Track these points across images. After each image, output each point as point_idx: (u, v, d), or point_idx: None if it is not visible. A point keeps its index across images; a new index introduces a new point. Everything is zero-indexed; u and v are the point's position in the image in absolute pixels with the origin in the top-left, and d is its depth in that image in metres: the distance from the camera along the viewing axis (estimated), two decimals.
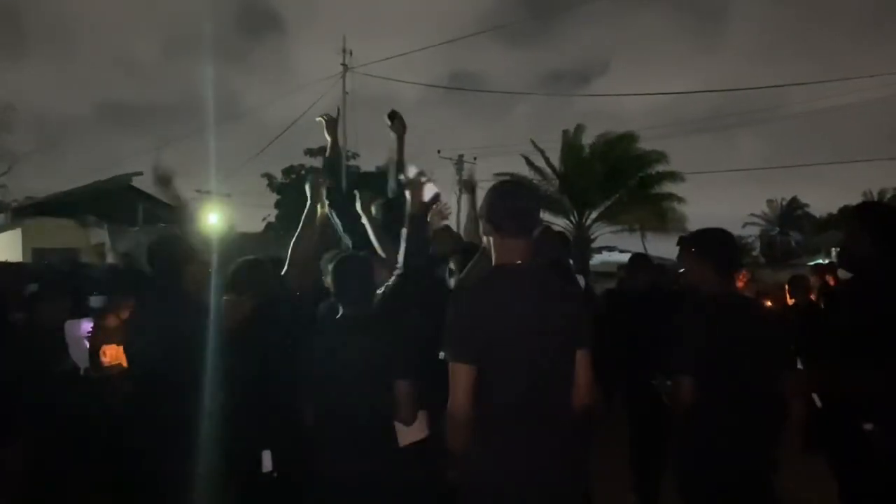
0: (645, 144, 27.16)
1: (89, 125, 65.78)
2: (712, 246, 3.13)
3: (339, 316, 3.14)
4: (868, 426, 2.67)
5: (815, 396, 3.00)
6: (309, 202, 4.04)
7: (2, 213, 22.30)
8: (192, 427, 3.06)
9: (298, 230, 3.89)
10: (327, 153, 4.71)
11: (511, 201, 2.47)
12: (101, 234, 18.66)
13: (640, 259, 6.24)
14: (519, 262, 2.41)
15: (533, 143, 27.57)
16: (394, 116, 4.54)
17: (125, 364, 4.32)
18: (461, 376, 2.28)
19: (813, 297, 7.68)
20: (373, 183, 5.02)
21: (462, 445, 2.32)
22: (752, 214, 51.58)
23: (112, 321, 4.53)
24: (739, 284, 6.06)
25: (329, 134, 4.57)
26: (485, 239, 2.56)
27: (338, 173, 4.54)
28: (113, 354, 4.40)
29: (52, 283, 4.98)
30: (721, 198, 54.93)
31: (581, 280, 4.57)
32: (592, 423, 2.57)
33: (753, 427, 2.88)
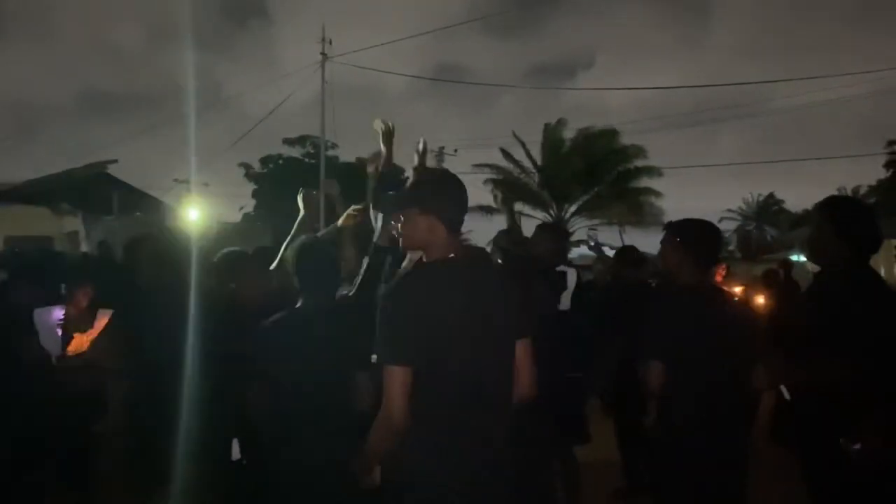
0: (627, 139, 27.39)
1: (68, 112, 65.06)
2: (697, 237, 3.15)
3: (299, 304, 3.08)
4: (856, 447, 2.68)
5: (783, 388, 3.03)
6: (301, 213, 4.10)
7: None
8: (185, 414, 3.10)
9: (291, 235, 3.92)
10: (380, 165, 4.28)
11: (458, 196, 2.42)
12: (75, 223, 18.42)
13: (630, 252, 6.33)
14: (451, 256, 2.35)
15: (514, 135, 27.65)
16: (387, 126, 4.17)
17: (87, 352, 4.29)
18: (396, 378, 2.18)
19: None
20: (354, 173, 4.96)
21: (391, 448, 2.26)
22: (729, 209, 52.11)
23: (71, 311, 4.45)
24: (718, 277, 6.13)
25: (385, 144, 4.21)
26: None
27: (395, 186, 4.26)
28: (74, 344, 4.33)
29: (23, 270, 4.88)
30: (700, 192, 55.49)
31: (573, 273, 4.56)
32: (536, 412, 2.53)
33: (725, 417, 2.92)
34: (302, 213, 4.36)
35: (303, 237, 3.45)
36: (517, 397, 2.38)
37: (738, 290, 7.69)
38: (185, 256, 3.45)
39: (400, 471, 2.30)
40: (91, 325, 4.31)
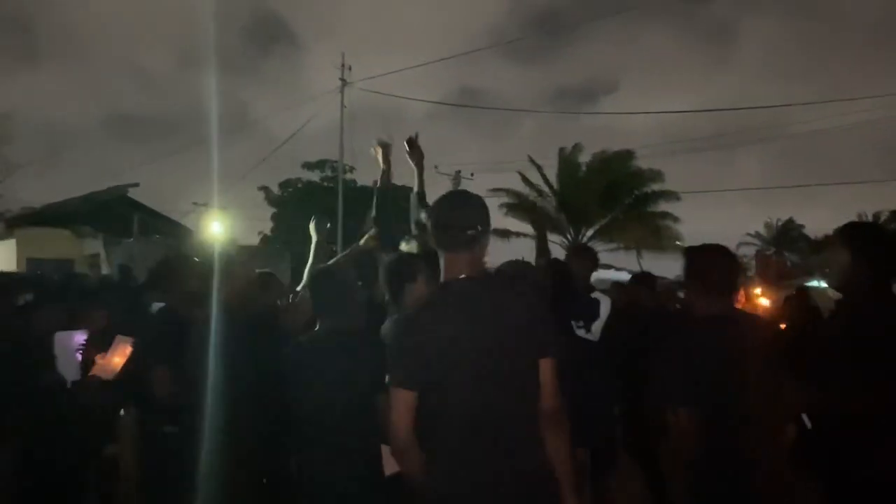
0: (646, 163, 27.33)
1: (93, 136, 65.92)
2: (704, 264, 3.05)
3: (316, 329, 3.14)
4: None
5: (804, 417, 2.98)
6: (314, 239, 4.24)
7: None
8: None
9: (310, 262, 4.06)
10: (379, 183, 4.45)
11: (446, 214, 2.38)
12: (96, 245, 18.63)
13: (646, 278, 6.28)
14: (462, 276, 2.32)
15: (531, 159, 27.68)
16: (412, 144, 4.36)
17: (101, 376, 4.31)
18: (399, 402, 2.21)
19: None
20: (368, 197, 5.01)
21: (413, 470, 2.26)
22: (748, 234, 51.70)
23: (91, 332, 4.49)
24: (745, 302, 5.98)
25: (384, 161, 4.35)
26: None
27: (387, 205, 4.37)
28: (98, 366, 4.36)
29: (47, 293, 4.92)
30: (719, 217, 55.20)
31: (606, 302, 4.35)
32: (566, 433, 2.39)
33: (760, 450, 2.79)
34: (315, 239, 4.43)
35: (319, 265, 3.50)
36: (543, 417, 2.31)
37: (764, 311, 7.58)
38: (213, 277, 3.48)
39: (418, 492, 2.30)
40: (107, 348, 4.34)
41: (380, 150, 4.33)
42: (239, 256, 3.74)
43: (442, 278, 2.38)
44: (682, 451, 2.90)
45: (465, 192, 2.55)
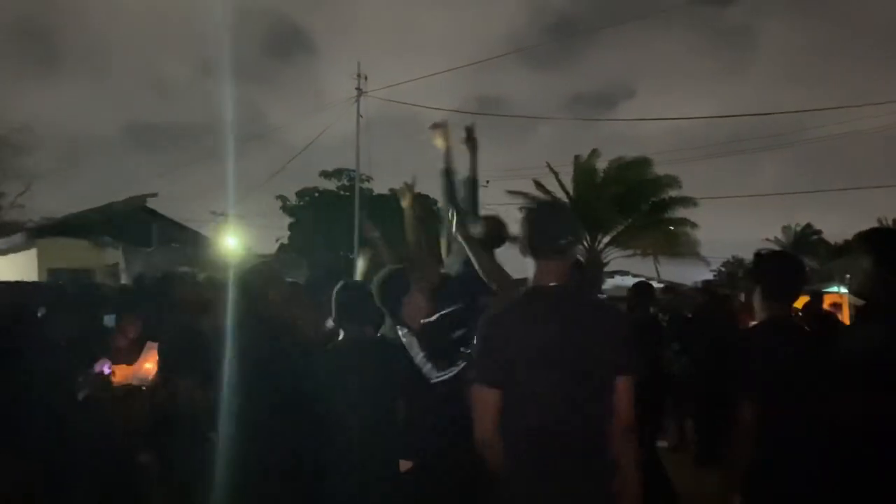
0: (663, 169, 27.22)
1: (113, 145, 66.58)
2: (764, 271, 3.09)
3: (340, 339, 3.24)
4: None
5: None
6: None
7: (18, 232, 22.47)
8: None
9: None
10: (444, 165, 4.42)
11: (541, 223, 2.46)
12: (115, 255, 18.78)
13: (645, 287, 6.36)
14: (553, 284, 2.38)
15: (548, 165, 27.63)
16: (470, 132, 4.39)
17: (135, 383, 4.36)
18: (483, 399, 2.30)
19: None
20: (387, 206, 5.03)
21: (497, 465, 2.34)
22: (766, 239, 51.28)
23: (121, 341, 4.54)
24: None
25: (445, 140, 4.33)
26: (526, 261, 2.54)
27: (451, 186, 4.36)
28: (123, 374, 4.40)
29: (60, 303, 4.96)
30: (737, 222, 54.86)
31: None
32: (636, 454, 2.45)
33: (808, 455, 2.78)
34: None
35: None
36: (615, 433, 2.36)
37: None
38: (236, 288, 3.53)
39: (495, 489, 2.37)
40: (137, 357, 4.39)
41: (438, 132, 4.31)
42: (267, 268, 3.77)
43: (531, 283, 2.45)
44: (740, 451, 2.88)
45: (557, 204, 2.66)
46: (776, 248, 51.38)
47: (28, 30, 63.80)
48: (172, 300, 4.04)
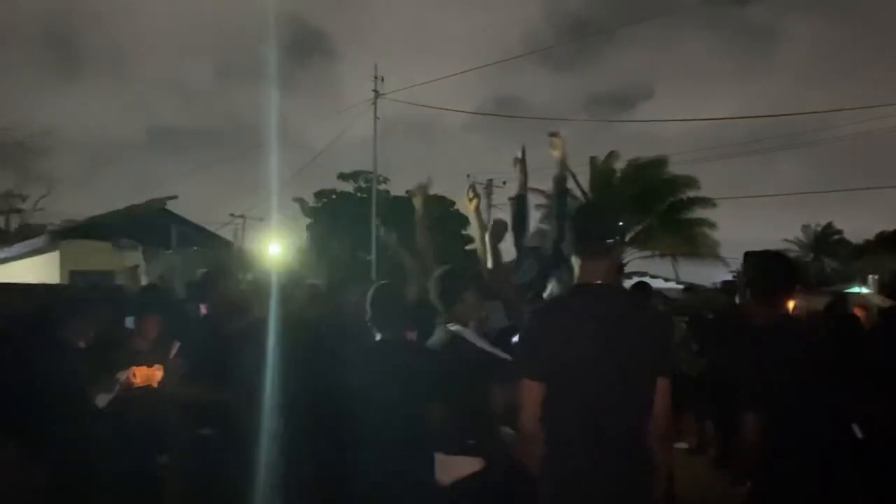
0: (683, 169, 27.05)
1: (133, 148, 67.25)
2: (750, 270, 3.08)
3: (377, 340, 3.32)
4: None
5: (854, 427, 2.92)
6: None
7: (40, 235, 22.72)
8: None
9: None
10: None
11: (581, 223, 2.53)
12: (135, 257, 18.94)
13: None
14: (599, 282, 2.41)
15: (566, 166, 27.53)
16: (554, 135, 4.39)
17: (155, 385, 4.39)
18: (526, 392, 2.34)
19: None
20: (403, 208, 5.08)
21: (531, 460, 2.37)
22: (786, 240, 50.79)
23: (141, 343, 4.57)
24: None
25: (560, 150, 4.37)
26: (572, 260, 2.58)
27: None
28: (143, 376, 4.43)
29: (70, 306, 4.99)
30: (757, 223, 54.40)
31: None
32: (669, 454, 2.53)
33: (815, 456, 2.76)
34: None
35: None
36: (655, 433, 2.39)
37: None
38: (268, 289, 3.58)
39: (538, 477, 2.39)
40: (159, 357, 4.41)
41: (555, 141, 4.32)
42: (294, 272, 3.84)
43: (577, 282, 2.49)
44: (749, 456, 2.90)
45: (604, 204, 2.68)
46: (795, 248, 50.96)
47: (53, 35, 64.57)
48: (213, 298, 4.06)
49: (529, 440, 2.36)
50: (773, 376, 2.78)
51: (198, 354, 3.71)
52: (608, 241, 2.45)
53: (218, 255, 17.22)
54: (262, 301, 3.52)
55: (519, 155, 4.66)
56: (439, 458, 3.06)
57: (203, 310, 5.81)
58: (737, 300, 7.78)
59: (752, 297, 3.03)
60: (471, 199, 4.55)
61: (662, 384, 2.40)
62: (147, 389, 4.39)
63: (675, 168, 26.93)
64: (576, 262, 2.49)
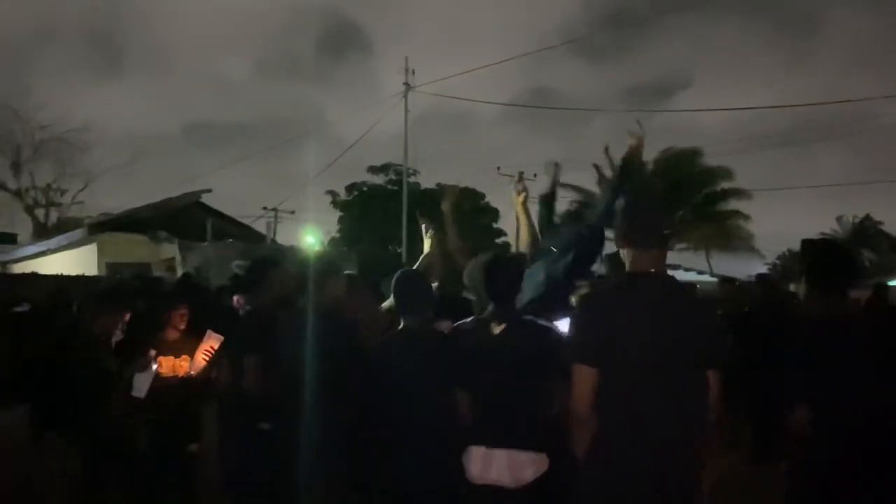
0: (722, 160, 26.70)
1: (169, 142, 68.14)
2: (810, 259, 3.02)
3: (401, 327, 3.33)
4: None
5: None
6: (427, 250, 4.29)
7: (79, 228, 23.13)
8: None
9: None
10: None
11: (636, 214, 2.52)
12: (171, 249, 19.21)
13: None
14: (652, 270, 2.42)
15: (606, 154, 27.34)
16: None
17: (181, 375, 4.45)
18: (580, 376, 2.34)
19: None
20: (434, 200, 5.10)
21: (581, 444, 2.37)
22: (823, 233, 49.94)
23: (171, 333, 4.62)
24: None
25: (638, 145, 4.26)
26: (621, 252, 2.57)
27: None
28: (169, 366, 4.48)
29: (111, 296, 5.07)
30: (795, 215, 53.46)
31: None
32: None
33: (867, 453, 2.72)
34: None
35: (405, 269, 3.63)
36: (704, 424, 2.39)
37: None
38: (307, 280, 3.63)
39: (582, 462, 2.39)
40: (187, 348, 4.47)
41: (635, 138, 4.19)
42: (332, 262, 3.89)
43: (629, 270, 2.48)
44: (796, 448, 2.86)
45: (654, 196, 2.64)
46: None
47: (92, 32, 65.67)
48: (262, 289, 4.12)
49: (580, 424, 2.36)
50: (825, 369, 2.71)
51: (251, 346, 3.75)
52: (664, 231, 2.48)
53: (257, 248, 17.42)
54: (306, 292, 3.55)
55: (555, 161, 4.66)
56: (473, 450, 3.04)
57: (236, 302, 5.91)
58: (772, 291, 7.67)
59: (809, 287, 2.95)
60: (519, 193, 4.51)
61: (714, 376, 2.37)
62: (178, 379, 4.45)
63: (715, 159, 26.65)
64: (627, 252, 2.48)
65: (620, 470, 2.30)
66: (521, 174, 4.60)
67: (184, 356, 4.50)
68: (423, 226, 4.43)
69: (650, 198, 2.66)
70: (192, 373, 4.44)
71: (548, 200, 4.52)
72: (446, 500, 3.04)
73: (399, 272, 3.47)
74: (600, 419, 2.33)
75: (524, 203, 4.47)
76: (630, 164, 4.22)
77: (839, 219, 49.15)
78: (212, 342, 4.37)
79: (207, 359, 4.38)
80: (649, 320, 2.32)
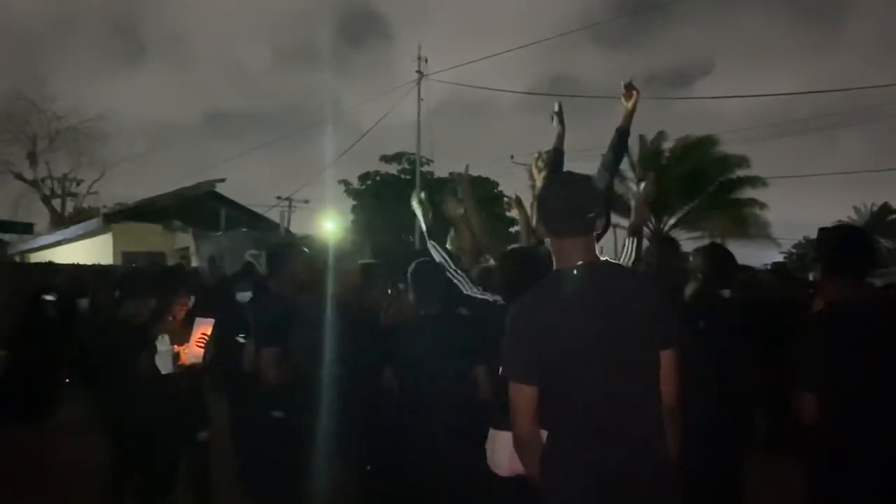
0: (742, 148, 26.51)
1: (182, 132, 68.41)
2: (826, 243, 2.89)
3: (419, 315, 3.47)
4: None
5: None
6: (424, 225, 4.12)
7: (94, 218, 23.31)
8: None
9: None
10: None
11: (561, 198, 2.26)
12: (186, 239, 19.33)
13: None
14: (580, 263, 2.18)
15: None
16: (630, 87, 4.19)
17: (187, 363, 4.46)
18: (519, 396, 2.13)
19: None
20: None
21: (533, 467, 2.19)
22: (839, 221, 49.37)
23: (170, 323, 4.61)
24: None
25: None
26: (546, 242, 2.34)
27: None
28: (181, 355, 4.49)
29: (135, 283, 5.11)
30: (812, 203, 52.98)
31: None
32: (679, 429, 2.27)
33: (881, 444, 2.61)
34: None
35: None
36: (664, 409, 2.19)
37: None
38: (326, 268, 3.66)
39: (540, 483, 2.20)
40: (187, 338, 4.47)
41: (630, 98, 4.14)
42: (350, 250, 3.92)
43: (555, 266, 2.26)
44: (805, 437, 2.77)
45: (577, 175, 2.41)
46: None
47: (109, 21, 65.88)
48: (280, 276, 4.14)
49: (525, 446, 2.17)
50: (837, 357, 2.63)
51: (270, 337, 3.76)
52: (589, 215, 2.19)
53: (271, 237, 17.47)
54: (324, 279, 3.57)
55: (556, 108, 4.58)
56: (500, 435, 2.99)
57: (244, 298, 5.93)
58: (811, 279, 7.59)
59: (825, 273, 2.85)
60: (540, 170, 4.43)
61: (667, 356, 2.18)
62: (184, 368, 4.45)
63: (735, 147, 26.42)
64: (552, 242, 2.27)
65: (581, 488, 2.12)
66: (540, 153, 4.52)
67: (185, 345, 4.51)
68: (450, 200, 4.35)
69: (573, 178, 2.41)
70: (194, 361, 4.45)
71: (554, 154, 4.45)
72: (466, 484, 3.09)
73: (414, 264, 3.51)
74: (552, 431, 2.16)
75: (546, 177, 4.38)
76: (625, 134, 4.14)
77: (857, 209, 48.68)
78: (203, 328, 4.37)
79: (202, 345, 4.38)
80: (581, 318, 2.12)
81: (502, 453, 2.91)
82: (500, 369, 2.22)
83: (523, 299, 2.24)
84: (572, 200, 2.22)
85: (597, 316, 2.12)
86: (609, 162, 4.12)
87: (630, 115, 4.11)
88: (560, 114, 4.55)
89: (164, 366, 4.26)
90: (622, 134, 4.15)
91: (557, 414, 2.14)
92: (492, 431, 3.08)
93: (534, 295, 2.23)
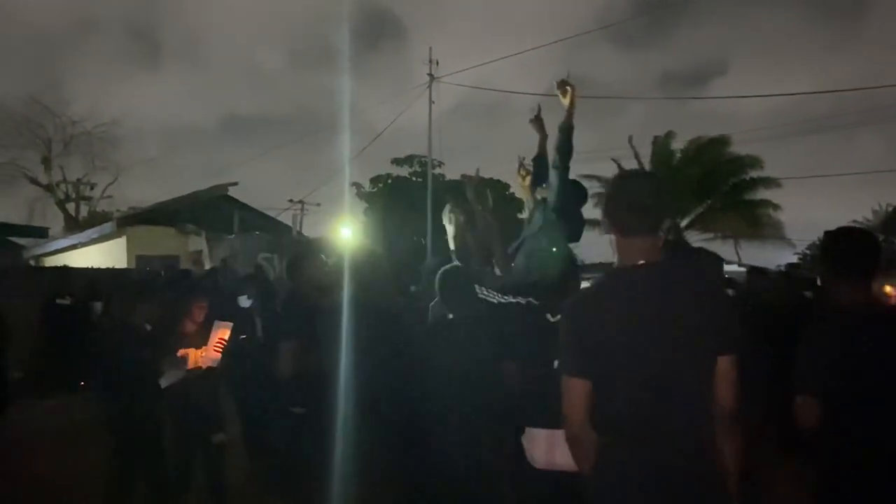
0: (756, 148, 26.40)
1: (201, 135, 68.78)
2: (831, 247, 2.86)
3: (450, 318, 3.51)
4: None
5: None
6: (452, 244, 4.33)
7: (108, 222, 23.44)
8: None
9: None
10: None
11: (629, 195, 2.22)
12: (199, 242, 19.41)
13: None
14: (642, 262, 2.16)
15: (631, 144, 27.07)
16: (564, 83, 4.23)
17: (203, 367, 4.49)
18: (572, 390, 2.15)
19: None
20: (458, 191, 5.07)
21: (584, 463, 2.19)
22: (854, 221, 48.93)
23: (189, 326, 4.64)
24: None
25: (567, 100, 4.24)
26: (609, 239, 2.30)
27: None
28: (192, 358, 4.52)
29: (139, 289, 5.14)
30: (826, 204, 52.49)
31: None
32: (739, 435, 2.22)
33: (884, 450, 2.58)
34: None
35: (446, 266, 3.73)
36: (717, 415, 2.15)
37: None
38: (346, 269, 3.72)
39: (589, 479, 2.20)
40: (206, 341, 4.49)
41: (565, 93, 4.18)
42: (372, 252, 3.98)
43: (616, 263, 2.23)
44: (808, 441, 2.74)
45: (648, 172, 2.45)
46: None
47: (129, 26, 66.40)
48: (298, 280, 4.20)
49: (577, 442, 2.18)
50: (839, 365, 2.59)
51: (287, 332, 3.83)
52: (656, 213, 2.16)
53: (283, 240, 17.54)
54: (344, 282, 3.61)
55: (534, 114, 4.59)
56: (535, 432, 3.06)
57: (244, 302, 5.98)
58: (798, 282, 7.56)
59: (832, 277, 2.83)
60: (524, 177, 4.51)
61: (725, 362, 2.13)
62: (200, 371, 4.48)
63: (749, 147, 26.32)
64: (614, 240, 2.22)
65: (629, 489, 2.10)
66: (521, 159, 4.57)
67: (203, 348, 4.54)
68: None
69: (641, 175, 2.39)
70: (211, 364, 4.47)
71: (537, 161, 4.49)
72: (485, 480, 3.16)
73: (442, 270, 3.57)
74: (603, 430, 2.15)
75: (530, 187, 4.44)
76: (567, 130, 4.12)
77: (875, 211, 48.21)
78: (221, 332, 4.39)
79: (220, 349, 4.40)
80: (641, 318, 2.09)
81: (539, 448, 3.01)
82: (556, 363, 2.28)
83: (582, 295, 2.28)
84: (640, 198, 2.19)
85: (653, 317, 2.10)
86: (556, 161, 4.16)
87: (570, 111, 4.13)
88: (539, 120, 4.55)
89: (166, 381, 4.30)
90: (563, 131, 4.17)
91: (608, 413, 2.14)
92: (528, 430, 3.16)
93: (593, 291, 2.25)
